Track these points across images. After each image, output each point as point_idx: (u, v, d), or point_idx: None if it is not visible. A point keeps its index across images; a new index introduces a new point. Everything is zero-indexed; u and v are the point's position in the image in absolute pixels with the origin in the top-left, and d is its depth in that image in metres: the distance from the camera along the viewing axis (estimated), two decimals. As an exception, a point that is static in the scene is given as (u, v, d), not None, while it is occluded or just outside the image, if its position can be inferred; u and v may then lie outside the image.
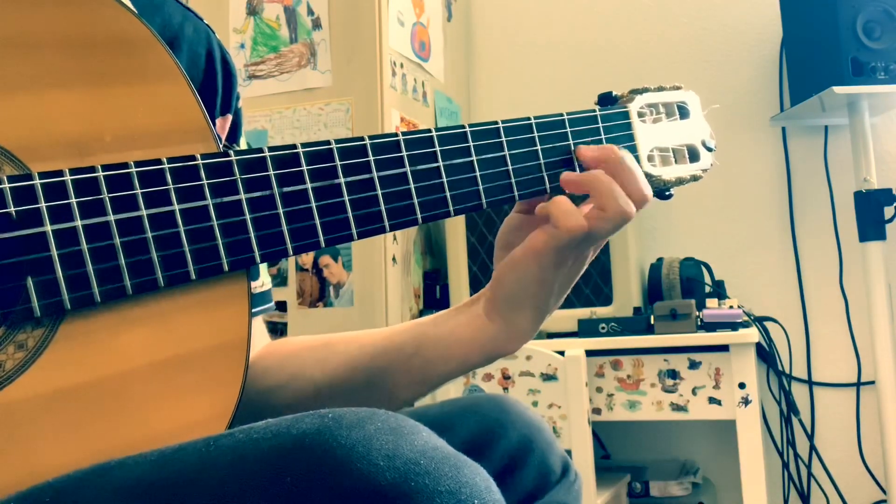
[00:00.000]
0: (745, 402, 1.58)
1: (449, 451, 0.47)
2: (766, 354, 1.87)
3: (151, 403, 0.51)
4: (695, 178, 0.78)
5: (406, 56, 1.90)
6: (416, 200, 0.60)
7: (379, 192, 0.58)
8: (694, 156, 0.79)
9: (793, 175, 2.04)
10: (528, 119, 0.67)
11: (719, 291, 1.85)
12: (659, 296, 1.81)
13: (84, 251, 0.48)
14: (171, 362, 0.52)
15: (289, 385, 0.73)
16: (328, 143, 0.57)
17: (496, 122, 0.64)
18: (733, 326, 1.60)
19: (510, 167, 0.64)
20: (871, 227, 1.77)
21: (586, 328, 1.69)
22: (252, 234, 0.54)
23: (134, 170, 0.50)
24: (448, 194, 0.61)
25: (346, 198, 0.57)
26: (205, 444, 0.47)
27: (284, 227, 0.55)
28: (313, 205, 0.56)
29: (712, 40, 2.13)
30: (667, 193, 0.75)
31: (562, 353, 1.62)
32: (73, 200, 0.48)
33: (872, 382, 1.84)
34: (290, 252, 0.55)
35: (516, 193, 0.64)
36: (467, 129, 0.63)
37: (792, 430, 1.92)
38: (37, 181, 0.47)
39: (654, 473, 2.02)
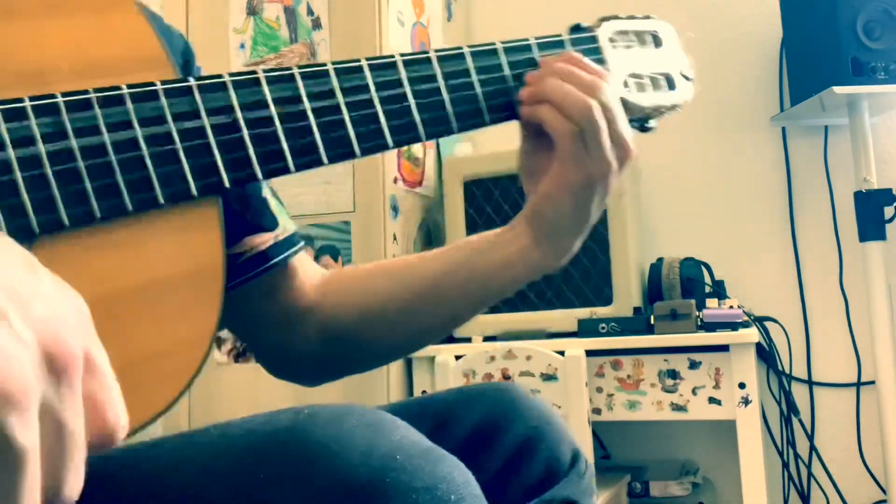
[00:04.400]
0: (745, 402, 1.58)
1: (426, 445, 0.46)
2: (766, 354, 1.87)
3: (129, 328, 0.51)
4: (674, 108, 0.77)
5: (406, 56, 1.89)
6: (406, 122, 0.61)
7: (346, 116, 0.59)
8: (672, 85, 0.78)
9: (793, 175, 2.04)
10: (494, 44, 0.68)
11: (719, 291, 1.85)
12: (659, 296, 1.81)
13: (48, 175, 0.48)
14: (145, 287, 0.52)
15: (365, 318, 0.75)
16: (290, 69, 0.57)
17: (461, 48, 0.66)
18: (733, 326, 1.60)
19: (478, 91, 0.65)
20: (871, 227, 1.77)
21: (586, 328, 1.69)
22: (218, 158, 0.54)
23: (94, 95, 0.50)
24: (417, 118, 0.63)
25: (312, 121, 0.57)
26: (182, 439, 0.47)
27: (251, 151, 0.55)
28: (278, 128, 0.56)
29: (712, 40, 2.13)
30: (647, 126, 0.75)
31: (562, 353, 1.62)
32: (35, 126, 0.48)
33: (872, 382, 1.84)
34: (260, 176, 0.55)
35: (486, 117, 0.66)
36: (431, 54, 0.64)
37: (792, 430, 1.92)
38: None
39: (654, 473, 2.02)
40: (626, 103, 0.70)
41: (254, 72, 0.56)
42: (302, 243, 0.77)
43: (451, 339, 1.84)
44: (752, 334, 1.59)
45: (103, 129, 0.50)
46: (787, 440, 1.92)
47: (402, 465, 0.43)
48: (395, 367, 1.75)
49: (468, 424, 0.73)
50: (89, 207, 0.49)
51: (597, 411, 1.69)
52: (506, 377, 1.66)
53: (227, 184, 0.54)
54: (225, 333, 1.81)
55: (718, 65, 2.12)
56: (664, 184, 2.12)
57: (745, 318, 1.67)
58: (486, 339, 1.80)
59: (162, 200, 0.51)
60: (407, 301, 0.74)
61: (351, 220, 1.73)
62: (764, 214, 2.05)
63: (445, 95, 0.64)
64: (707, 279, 1.85)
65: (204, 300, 0.54)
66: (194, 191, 0.53)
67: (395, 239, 1.76)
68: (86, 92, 0.50)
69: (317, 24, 1.81)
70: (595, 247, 1.78)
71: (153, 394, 0.51)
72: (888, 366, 1.74)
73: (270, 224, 0.73)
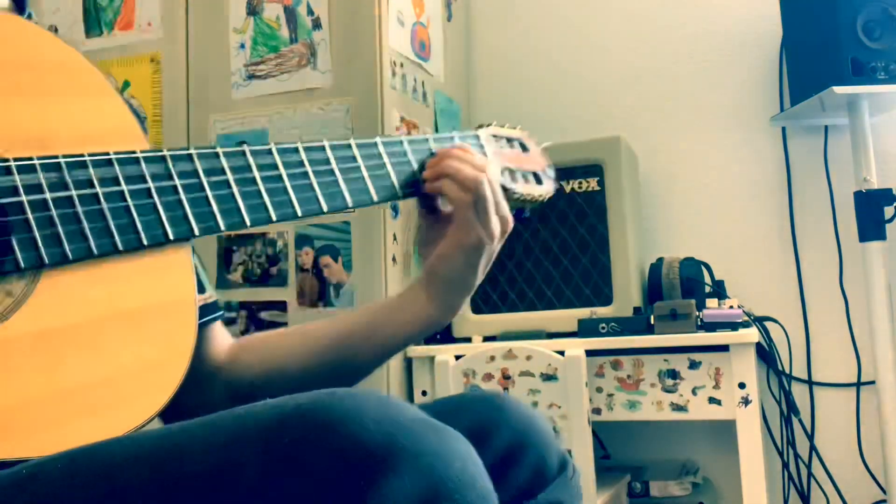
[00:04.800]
0: (745, 402, 1.58)
1: (433, 421, 0.52)
2: (766, 354, 1.87)
3: (121, 345, 0.62)
4: (542, 200, 0.94)
5: (406, 56, 1.90)
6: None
7: (287, 183, 0.72)
8: (539, 180, 0.95)
9: (793, 175, 2.04)
10: (401, 139, 0.83)
11: (719, 291, 1.85)
12: (659, 296, 1.81)
13: (54, 217, 0.60)
14: (133, 313, 0.63)
15: (267, 377, 0.84)
16: (242, 144, 0.71)
17: (375, 141, 0.81)
18: (733, 326, 1.60)
19: (391, 171, 0.80)
20: (871, 227, 1.77)
21: (586, 328, 1.69)
22: (189, 212, 0.66)
23: (88, 158, 0.63)
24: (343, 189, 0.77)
25: (262, 186, 0.71)
26: (208, 418, 0.53)
27: (214, 207, 0.67)
28: (235, 190, 0.69)
29: (712, 40, 2.13)
30: (524, 215, 0.93)
31: (562, 353, 1.62)
32: (42, 177, 0.60)
33: (872, 382, 1.84)
34: (223, 227, 0.68)
35: (399, 192, 0.81)
36: (352, 142, 0.79)
37: (792, 430, 1.92)
38: (12, 163, 0.59)
39: (654, 473, 2.02)
40: (504, 189, 0.86)
41: (214, 146, 0.71)
42: (222, 312, 0.87)
43: (451, 339, 1.84)
44: (752, 334, 1.59)
45: (96, 183, 0.62)
46: (787, 440, 1.91)
47: (411, 432, 0.48)
48: (395, 368, 1.75)
49: None
50: (88, 244, 0.61)
51: (597, 411, 1.69)
52: (506, 377, 1.66)
53: (196, 232, 0.66)
54: (225, 333, 1.81)
55: (718, 65, 2.12)
56: (664, 184, 2.12)
57: (745, 318, 1.67)
58: (486, 339, 1.80)
59: (146, 243, 0.64)
60: (307, 360, 0.83)
61: (351, 220, 1.73)
62: (764, 214, 2.05)
63: (366, 173, 0.79)
64: (707, 279, 1.85)
65: (181, 325, 0.65)
66: (171, 236, 0.65)
67: (395, 239, 1.76)
68: (81, 155, 0.63)
69: (317, 24, 1.81)
70: (595, 247, 1.78)
71: (143, 401, 0.61)
72: (888, 366, 1.74)
73: (200, 288, 0.80)
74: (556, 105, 2.23)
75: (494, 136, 0.93)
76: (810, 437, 1.95)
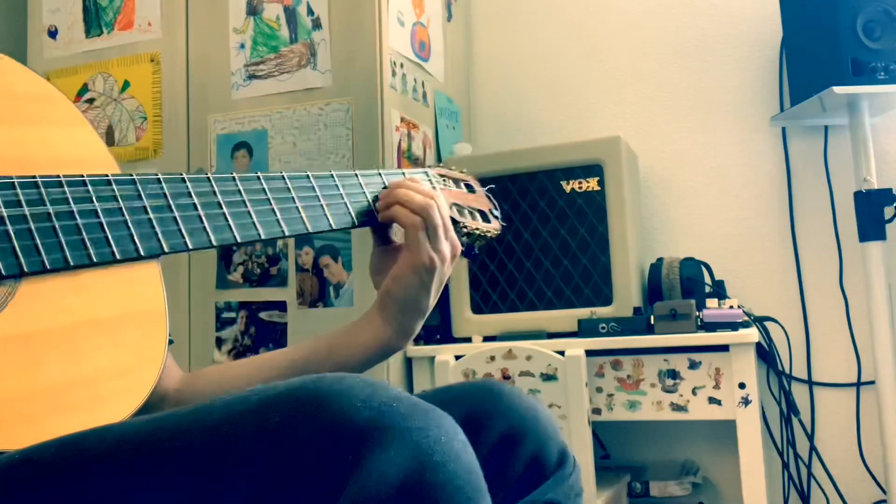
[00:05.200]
0: (745, 402, 1.58)
1: (419, 400, 0.53)
2: (766, 354, 1.87)
3: (97, 350, 0.66)
4: (490, 236, 0.99)
5: (406, 56, 1.90)
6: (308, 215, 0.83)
7: (250, 208, 0.78)
8: (486, 218, 1.01)
9: (793, 175, 2.04)
10: (354, 173, 0.90)
11: (719, 291, 1.85)
12: (659, 296, 1.81)
13: (33, 230, 0.64)
14: (108, 320, 0.67)
15: None
16: (205, 171, 0.80)
17: (331, 174, 0.87)
18: (733, 326, 1.60)
19: (347, 201, 0.86)
20: (871, 227, 1.77)
21: (586, 328, 1.69)
22: (158, 230, 0.71)
23: (63, 178, 0.68)
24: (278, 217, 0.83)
25: (226, 210, 0.76)
26: (201, 405, 0.55)
27: (182, 227, 0.72)
28: (201, 213, 0.74)
29: (712, 40, 2.13)
30: (474, 252, 0.98)
31: (562, 353, 1.62)
32: (21, 194, 0.65)
33: (872, 382, 1.84)
34: (190, 246, 0.72)
35: (355, 220, 0.86)
36: (312, 180, 0.86)
37: (792, 430, 1.92)
38: None
39: (654, 473, 2.02)
40: (454, 222, 0.91)
41: (181, 173, 0.76)
42: (173, 341, 0.87)
43: (451, 339, 1.84)
44: (752, 334, 1.59)
45: (71, 201, 0.67)
46: (787, 440, 1.92)
47: (398, 410, 0.50)
48: (395, 367, 1.75)
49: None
50: (64, 255, 0.65)
51: (597, 411, 1.69)
52: (506, 377, 1.66)
53: (165, 249, 0.71)
54: (226, 334, 1.81)
55: (718, 65, 2.12)
56: (664, 184, 2.12)
57: (745, 318, 1.67)
58: (486, 339, 1.80)
59: (119, 256, 0.68)
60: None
61: (351, 220, 1.73)
62: (764, 214, 2.05)
63: (324, 202, 0.85)
64: (707, 279, 1.85)
65: (154, 334, 0.70)
66: (142, 252, 0.69)
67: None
68: (57, 176, 0.68)
69: (317, 24, 1.81)
70: (595, 247, 1.78)
71: (118, 402, 0.65)
72: (888, 366, 1.74)
73: None
74: (556, 105, 2.23)
75: (442, 175, 1.00)
76: (810, 437, 1.95)
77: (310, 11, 1.81)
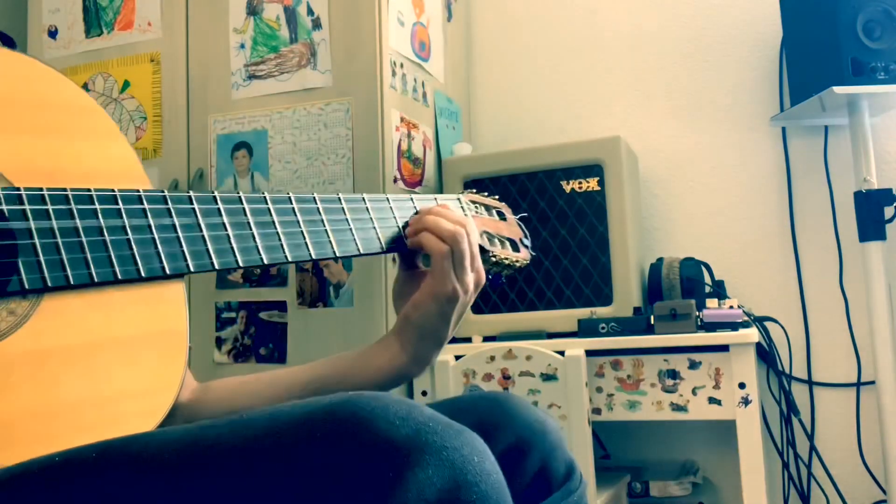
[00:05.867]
0: (745, 402, 1.58)
1: (451, 420, 0.55)
2: (766, 354, 1.87)
3: (116, 369, 0.65)
4: (518, 265, 0.97)
5: (406, 56, 1.90)
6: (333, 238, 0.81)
7: (279, 230, 0.76)
8: (516, 247, 0.99)
9: (793, 175, 2.04)
10: (386, 197, 0.88)
11: (719, 291, 1.85)
12: (659, 296, 1.81)
13: (59, 244, 0.63)
14: (129, 339, 0.66)
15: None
16: (238, 192, 0.75)
17: (363, 200, 0.85)
18: (733, 326, 1.60)
19: (376, 227, 0.84)
20: (871, 227, 1.77)
21: (586, 328, 1.69)
22: (185, 249, 0.70)
23: (94, 193, 0.67)
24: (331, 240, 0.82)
25: (255, 231, 0.75)
26: (238, 416, 0.56)
27: (209, 246, 0.71)
28: (230, 233, 0.73)
29: (712, 40, 2.13)
30: (500, 281, 0.97)
31: (562, 353, 1.62)
32: (50, 206, 0.64)
33: (872, 382, 1.84)
34: (216, 266, 0.71)
35: (384, 246, 0.85)
36: (343, 203, 0.84)
37: (792, 430, 1.92)
38: (23, 191, 0.63)
39: (654, 473, 2.02)
40: (483, 251, 0.91)
41: (212, 191, 0.74)
42: (191, 347, 0.85)
43: (452, 339, 1.84)
44: (752, 334, 1.59)
45: (100, 215, 0.66)
46: (787, 440, 1.92)
47: (434, 429, 0.52)
48: (395, 367, 1.75)
49: None
50: (88, 271, 0.64)
51: (597, 411, 1.69)
52: (506, 377, 1.66)
53: (191, 268, 0.69)
54: (226, 333, 1.81)
55: (718, 65, 2.12)
56: (664, 184, 2.12)
57: (745, 318, 1.67)
58: (486, 339, 1.80)
59: (144, 274, 0.67)
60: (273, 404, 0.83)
61: (351, 220, 1.73)
62: (764, 214, 2.05)
63: (353, 226, 0.83)
64: (707, 279, 1.85)
65: (173, 355, 0.68)
66: (167, 270, 0.68)
67: (395, 239, 1.76)
68: (88, 189, 0.67)
69: (317, 24, 1.81)
70: (595, 247, 1.78)
71: (134, 424, 0.64)
72: (888, 366, 1.74)
73: None
74: (556, 105, 2.23)
75: (474, 202, 0.98)
76: (810, 437, 1.95)
77: (310, 11, 1.82)
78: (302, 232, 0.78)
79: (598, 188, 1.79)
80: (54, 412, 0.60)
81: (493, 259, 0.93)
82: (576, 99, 2.23)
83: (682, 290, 1.79)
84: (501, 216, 1.02)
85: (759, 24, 2.09)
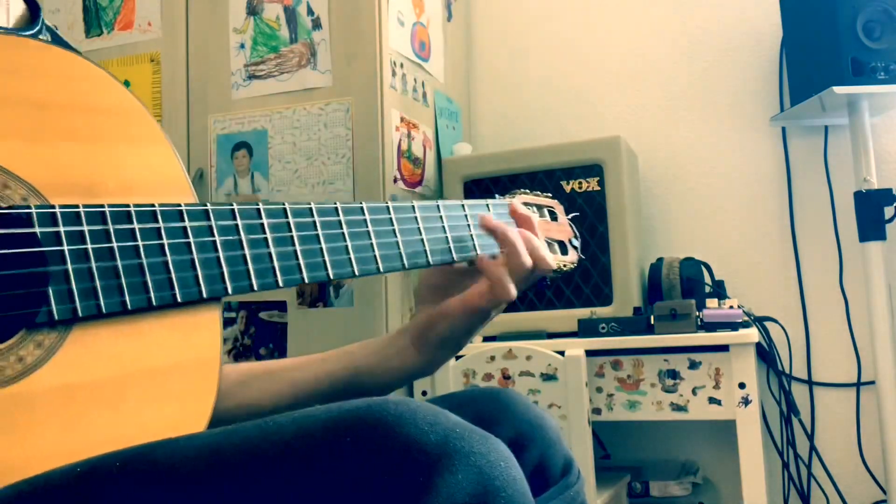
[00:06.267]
0: (745, 402, 1.58)
1: (475, 426, 0.55)
2: (766, 354, 1.87)
3: (144, 403, 0.61)
4: (566, 269, 0.94)
5: (406, 56, 1.90)
6: (377, 253, 0.75)
7: (323, 245, 0.71)
8: (564, 250, 0.95)
9: (793, 175, 2.04)
10: (437, 203, 0.82)
11: (719, 291, 1.85)
12: (659, 296, 1.81)
13: (93, 269, 0.59)
14: (159, 371, 0.62)
15: (239, 409, 0.82)
16: (283, 204, 0.71)
17: (412, 206, 0.79)
18: (733, 326, 1.60)
19: (424, 236, 0.78)
20: (871, 227, 1.77)
21: (586, 328, 1.69)
22: (225, 270, 0.65)
23: (133, 209, 0.62)
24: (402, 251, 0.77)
25: (298, 247, 0.69)
26: (263, 421, 0.55)
27: (250, 267, 0.67)
28: (272, 250, 0.68)
29: (712, 40, 2.13)
30: (545, 283, 0.90)
31: (562, 353, 1.62)
32: (86, 226, 0.60)
33: (872, 382, 1.84)
34: (255, 288, 0.67)
35: (430, 259, 0.79)
36: (389, 205, 0.78)
37: (792, 430, 1.92)
38: (57, 210, 0.59)
39: (654, 473, 2.02)
40: None
41: (256, 203, 0.69)
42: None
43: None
44: (752, 334, 1.59)
45: (138, 235, 0.62)
46: (787, 440, 1.92)
47: (461, 435, 0.52)
48: (395, 367, 1.75)
49: None
50: (123, 299, 0.60)
51: (597, 411, 1.69)
52: (506, 377, 1.66)
53: (230, 291, 0.65)
54: (225, 333, 1.81)
55: (718, 65, 2.12)
56: (664, 184, 2.12)
57: (745, 318, 1.66)
58: (486, 339, 1.80)
59: (180, 299, 0.63)
60: (281, 399, 0.82)
61: (351, 220, 1.73)
62: (764, 214, 2.05)
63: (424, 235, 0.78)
64: (707, 279, 1.85)
65: (203, 387, 0.65)
66: (205, 294, 0.64)
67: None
68: (127, 205, 0.62)
69: (317, 24, 1.81)
70: (595, 247, 1.78)
71: None
72: (888, 366, 1.74)
73: None
74: (556, 105, 2.23)
75: (527, 203, 0.94)
76: (810, 437, 1.95)
77: (310, 11, 1.82)
78: (347, 246, 0.73)
79: (598, 188, 1.79)
80: (77, 454, 0.56)
81: None
82: (576, 99, 2.22)
83: (682, 290, 1.79)
84: (553, 215, 0.98)
85: (759, 24, 2.09)
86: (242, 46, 1.87)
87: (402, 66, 1.87)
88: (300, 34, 1.82)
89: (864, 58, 1.69)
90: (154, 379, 0.62)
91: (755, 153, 2.07)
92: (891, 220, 1.78)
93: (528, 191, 0.97)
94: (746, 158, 2.08)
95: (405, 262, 0.76)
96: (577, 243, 0.98)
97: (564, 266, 0.93)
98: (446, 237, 0.80)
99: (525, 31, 2.30)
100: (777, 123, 2.01)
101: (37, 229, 0.57)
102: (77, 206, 0.60)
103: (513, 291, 0.78)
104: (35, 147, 0.61)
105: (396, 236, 0.77)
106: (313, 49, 1.81)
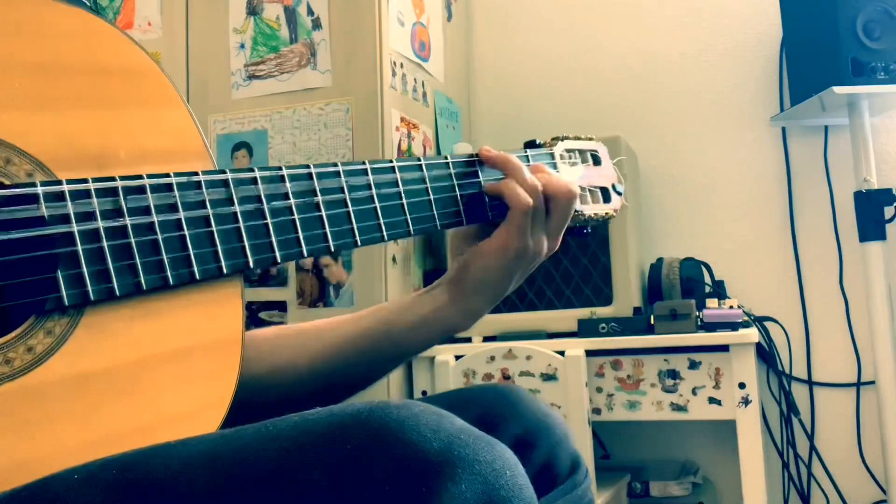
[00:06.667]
0: (745, 402, 1.58)
1: (481, 432, 0.53)
2: (766, 354, 1.87)
3: (161, 390, 0.57)
4: (608, 217, 0.90)
5: (406, 56, 1.90)
6: (381, 221, 0.71)
7: (350, 209, 0.68)
8: (606, 197, 0.91)
9: (793, 175, 2.04)
10: (475, 155, 0.81)
11: (719, 291, 1.85)
12: (659, 296, 1.81)
13: (105, 249, 0.55)
14: (177, 353, 0.59)
15: (273, 373, 0.79)
16: (308, 166, 0.66)
17: (446, 158, 0.78)
18: (733, 326, 1.60)
19: (458, 194, 0.77)
20: (871, 227, 1.77)
21: (586, 328, 1.69)
22: (246, 243, 0.61)
23: (147, 181, 0.58)
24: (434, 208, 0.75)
25: (324, 213, 0.66)
26: (262, 425, 0.53)
27: (273, 238, 0.63)
28: (296, 217, 0.64)
29: (712, 40, 2.13)
30: (585, 231, 0.89)
31: (562, 353, 1.62)
32: (96, 204, 0.55)
33: (872, 382, 1.84)
34: (279, 260, 0.63)
35: (464, 218, 0.77)
36: (422, 162, 0.76)
37: (792, 430, 1.92)
38: (65, 187, 0.54)
39: (654, 473, 2.02)
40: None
41: (279, 168, 0.65)
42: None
43: (451, 339, 1.84)
44: (752, 334, 1.59)
45: (153, 210, 0.58)
46: (787, 440, 1.92)
47: (466, 442, 0.50)
48: (395, 367, 1.75)
49: None
50: (138, 279, 0.56)
51: (597, 411, 1.69)
52: (506, 377, 1.66)
53: (251, 265, 0.62)
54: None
55: (718, 65, 2.12)
56: (664, 184, 2.12)
57: (745, 318, 1.67)
58: (486, 339, 1.80)
59: (198, 277, 0.59)
60: (316, 360, 0.79)
61: (351, 220, 1.73)
62: (764, 214, 2.05)
63: (432, 196, 0.75)
64: (707, 279, 1.85)
65: (224, 368, 0.61)
66: (225, 269, 0.60)
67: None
68: (140, 177, 0.58)
69: (317, 24, 1.81)
70: (595, 247, 1.78)
71: None
72: (888, 366, 1.74)
73: None
74: (556, 105, 2.23)
75: (568, 150, 0.90)
76: (810, 437, 1.95)
77: (310, 11, 1.82)
78: (376, 209, 0.70)
79: (598, 188, 1.79)
80: (93, 448, 0.53)
81: (582, 218, 0.87)
82: (576, 99, 2.22)
83: (682, 290, 1.79)
84: (596, 159, 0.93)
85: (759, 24, 2.09)
86: (242, 46, 1.87)
87: (402, 66, 1.87)
88: (300, 34, 1.82)
89: (864, 58, 1.69)
90: (172, 362, 0.58)
91: (755, 153, 2.07)
92: (891, 220, 1.78)
93: (569, 135, 0.92)
94: (746, 158, 2.08)
95: (437, 223, 0.74)
96: (620, 188, 0.93)
97: (605, 214, 0.89)
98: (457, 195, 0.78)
99: (525, 32, 2.30)
100: (777, 123, 2.01)
101: (43, 210, 0.54)
102: (87, 181, 0.55)
103: (524, 227, 0.75)
104: (39, 116, 0.56)
105: (429, 195, 0.74)
106: (313, 49, 1.81)
